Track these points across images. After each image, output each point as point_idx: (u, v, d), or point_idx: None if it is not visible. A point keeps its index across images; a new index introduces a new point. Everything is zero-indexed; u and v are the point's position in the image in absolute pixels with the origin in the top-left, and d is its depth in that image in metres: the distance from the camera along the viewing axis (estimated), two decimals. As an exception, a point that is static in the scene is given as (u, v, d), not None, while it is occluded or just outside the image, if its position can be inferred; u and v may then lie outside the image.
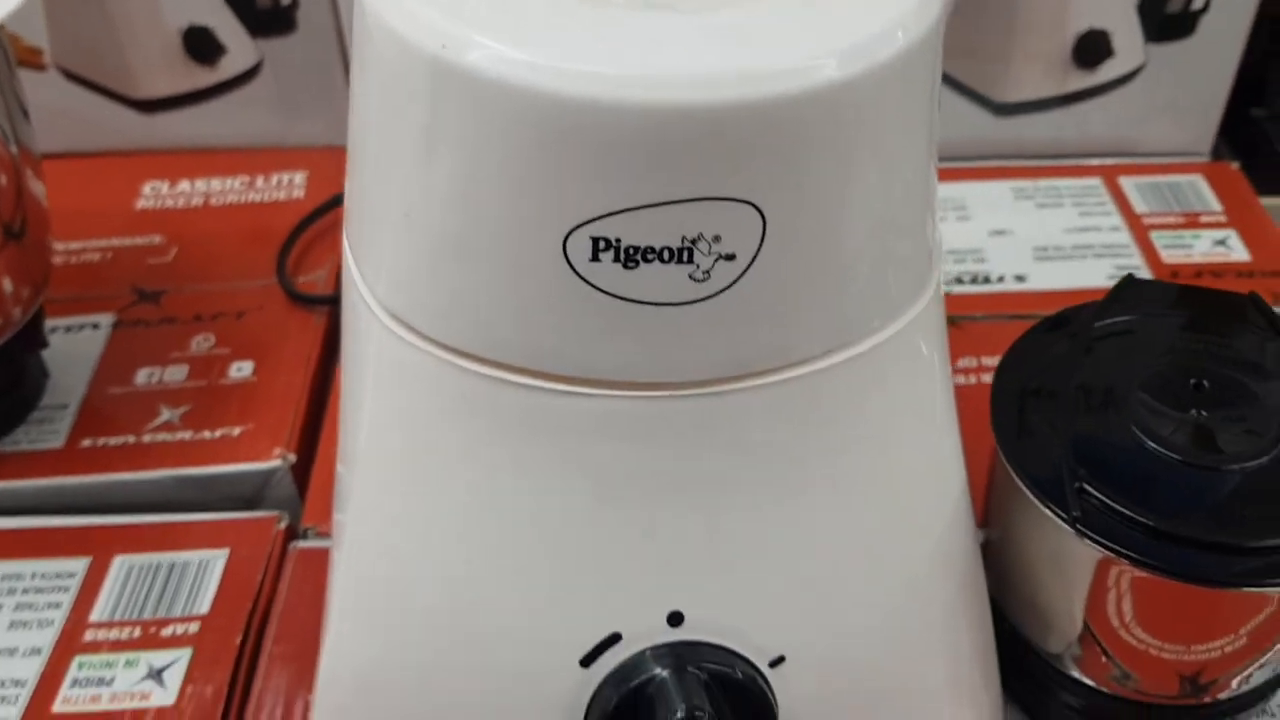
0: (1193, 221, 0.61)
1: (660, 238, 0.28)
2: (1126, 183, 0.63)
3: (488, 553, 0.32)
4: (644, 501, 0.31)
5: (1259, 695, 0.38)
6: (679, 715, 0.31)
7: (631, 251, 0.28)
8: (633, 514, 0.31)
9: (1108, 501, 0.34)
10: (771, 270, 0.29)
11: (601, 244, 0.28)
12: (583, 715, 0.32)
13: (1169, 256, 0.59)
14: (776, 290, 0.29)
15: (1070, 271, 0.58)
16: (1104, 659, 0.37)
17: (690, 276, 0.28)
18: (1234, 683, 0.37)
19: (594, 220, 0.27)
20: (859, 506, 0.33)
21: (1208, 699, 0.38)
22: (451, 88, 0.27)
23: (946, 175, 0.64)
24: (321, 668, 0.35)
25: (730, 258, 0.28)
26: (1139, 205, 0.62)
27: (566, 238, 0.28)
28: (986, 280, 0.58)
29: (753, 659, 0.33)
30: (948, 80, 0.63)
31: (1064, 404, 0.36)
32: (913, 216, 0.32)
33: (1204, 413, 0.36)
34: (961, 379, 0.53)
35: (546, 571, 0.32)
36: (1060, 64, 0.62)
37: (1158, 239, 0.59)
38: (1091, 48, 0.61)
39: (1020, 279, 0.57)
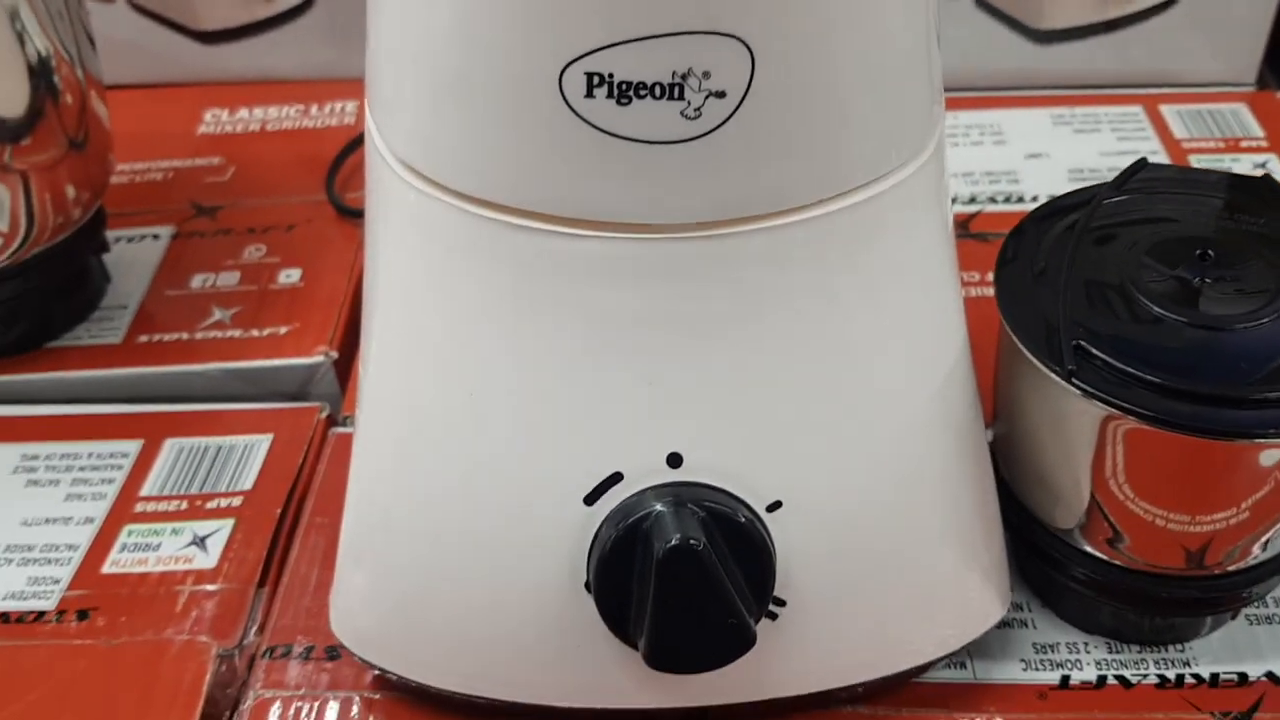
0: (1233, 146, 0.60)
1: (651, 73, 0.29)
2: (1167, 110, 0.63)
3: (495, 394, 0.34)
4: (643, 343, 0.33)
5: (1270, 570, 0.38)
6: (673, 542, 0.32)
7: (624, 87, 0.29)
8: (633, 356, 0.33)
9: (1105, 358, 0.34)
10: (762, 110, 0.30)
11: (595, 79, 0.29)
12: (587, 550, 0.34)
13: (1208, 178, 0.58)
14: (768, 131, 0.30)
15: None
16: (1111, 531, 0.37)
17: (682, 114, 0.30)
18: (1243, 554, 0.37)
19: (587, 55, 0.29)
20: (856, 355, 0.34)
21: (1216, 571, 0.38)
22: (453, -74, 0.29)
23: (985, 103, 0.65)
24: (346, 510, 0.37)
25: (720, 95, 0.29)
26: (1179, 131, 0.61)
27: (562, 73, 0.29)
28: (1020, 200, 0.58)
29: (750, 502, 0.34)
30: (986, 8, 0.64)
31: (1067, 272, 0.37)
32: (908, 67, 0.32)
33: (1207, 279, 0.36)
34: (990, 291, 0.54)
35: (551, 412, 0.33)
36: (1099, -11, 0.62)
37: (1196, 161, 0.59)
38: (1131, -28, 0.61)
39: (1054, 198, 0.57)
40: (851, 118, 0.31)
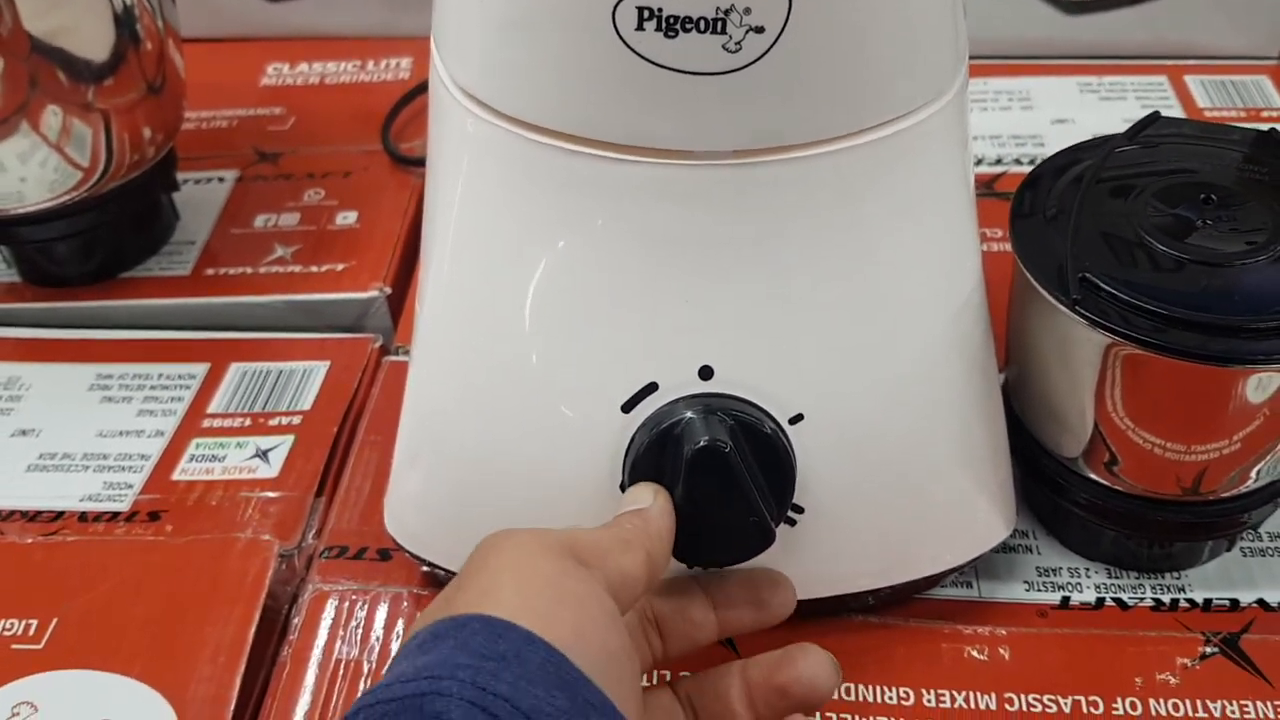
0: (1254, 116, 0.62)
1: (697, 7, 0.32)
2: (1191, 80, 0.65)
3: (543, 307, 0.37)
4: (682, 263, 0.36)
5: (1264, 498, 0.41)
6: (701, 443, 0.35)
7: (672, 20, 0.32)
8: (671, 274, 0.36)
9: (1109, 290, 0.37)
10: (798, 45, 0.32)
11: (645, 13, 0.32)
12: (623, 454, 0.37)
13: (1227, 147, 0.60)
14: (803, 66, 0.33)
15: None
16: (1112, 457, 0.40)
17: (724, 47, 0.32)
18: (1242, 479, 0.40)
19: (639, -11, 0.32)
20: (877, 280, 0.37)
21: (1211, 497, 0.40)
22: None
23: (1014, 70, 0.67)
24: (403, 414, 0.40)
25: (759, 30, 0.32)
26: (1201, 100, 0.63)
27: (616, 7, 0.32)
28: (1044, 162, 0.60)
29: (774, 414, 0.37)
30: (1018, -22, 0.66)
31: (1077, 213, 0.39)
32: (935, 13, 0.35)
33: (1207, 220, 0.38)
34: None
35: (594, 325, 0.36)
36: (1129, -37, 0.64)
37: (1217, 130, 0.61)
38: (1160, -53, 0.63)
39: (1077, 162, 0.60)
40: (880, 57, 0.34)
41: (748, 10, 0.32)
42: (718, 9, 0.32)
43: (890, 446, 0.38)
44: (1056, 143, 0.61)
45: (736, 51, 0.32)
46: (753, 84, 0.33)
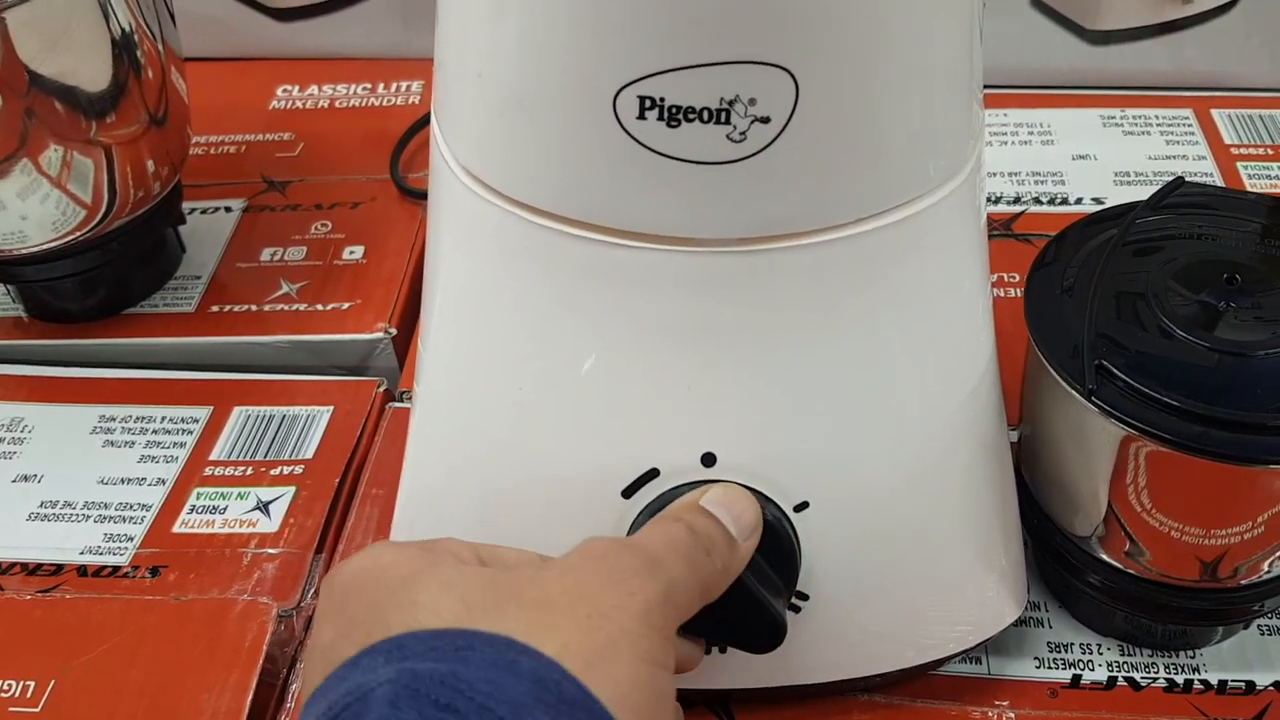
0: (1281, 154, 0.61)
1: (700, 98, 0.31)
2: (1218, 115, 0.63)
3: (542, 391, 0.36)
4: (684, 349, 0.35)
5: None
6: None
7: (674, 110, 0.31)
8: (673, 360, 0.35)
9: (1126, 379, 0.36)
10: (805, 135, 0.31)
11: (647, 103, 0.31)
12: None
13: (1254, 186, 0.59)
14: (810, 155, 0.32)
15: (1148, 196, 0.58)
16: (1126, 542, 0.39)
17: (728, 137, 0.31)
18: (1253, 570, 0.39)
19: (640, 80, 0.31)
20: (887, 367, 0.36)
21: (1228, 584, 0.39)
22: (518, -43, 0.31)
23: (1035, 101, 0.65)
24: (400, 489, 0.39)
25: (765, 120, 0.31)
26: (1228, 136, 0.62)
27: (616, 96, 0.31)
28: (1064, 201, 0.59)
29: (779, 502, 0.36)
30: (1041, 7, 0.64)
31: (1094, 291, 0.38)
32: (947, 94, 0.34)
33: (1231, 304, 0.37)
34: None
35: (594, 410, 0.35)
36: (1157, -7, 0.62)
37: (1244, 168, 0.60)
38: (1189, -23, 0.61)
39: (1098, 201, 0.58)
40: (890, 144, 0.33)
41: (753, 101, 0.31)
42: (721, 99, 0.31)
43: (898, 533, 0.37)
44: (1077, 181, 0.60)
45: (741, 141, 0.31)
46: (758, 173, 0.32)
